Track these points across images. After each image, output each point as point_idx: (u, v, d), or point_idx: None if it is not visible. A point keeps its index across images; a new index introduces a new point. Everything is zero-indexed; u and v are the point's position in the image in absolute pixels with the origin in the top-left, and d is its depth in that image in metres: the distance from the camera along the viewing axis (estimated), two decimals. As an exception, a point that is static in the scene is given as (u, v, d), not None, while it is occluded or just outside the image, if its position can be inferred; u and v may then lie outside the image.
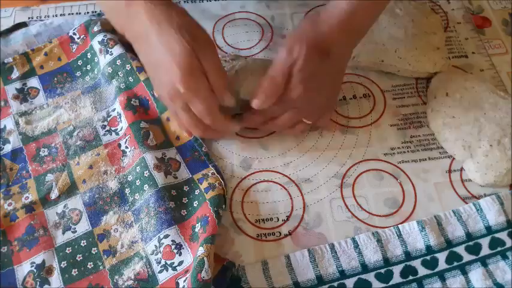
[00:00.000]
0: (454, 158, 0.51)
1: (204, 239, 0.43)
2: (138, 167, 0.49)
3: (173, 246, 0.45)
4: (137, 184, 0.48)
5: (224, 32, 0.61)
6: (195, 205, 0.47)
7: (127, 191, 0.49)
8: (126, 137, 0.51)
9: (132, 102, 0.53)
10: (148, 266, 0.44)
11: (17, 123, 0.53)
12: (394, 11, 0.57)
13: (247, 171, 0.51)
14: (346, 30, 0.46)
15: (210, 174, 0.49)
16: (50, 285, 0.44)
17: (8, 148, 0.52)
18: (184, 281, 0.42)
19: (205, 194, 0.47)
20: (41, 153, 0.51)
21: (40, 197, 0.48)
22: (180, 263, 0.44)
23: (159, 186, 0.47)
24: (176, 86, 0.43)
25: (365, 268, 0.44)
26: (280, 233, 0.47)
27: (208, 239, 0.43)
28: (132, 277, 0.44)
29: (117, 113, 0.53)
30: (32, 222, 0.47)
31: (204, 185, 0.48)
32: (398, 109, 0.55)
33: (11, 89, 0.55)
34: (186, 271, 0.43)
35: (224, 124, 0.48)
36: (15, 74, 0.56)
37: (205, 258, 0.41)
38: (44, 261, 0.45)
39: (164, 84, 0.45)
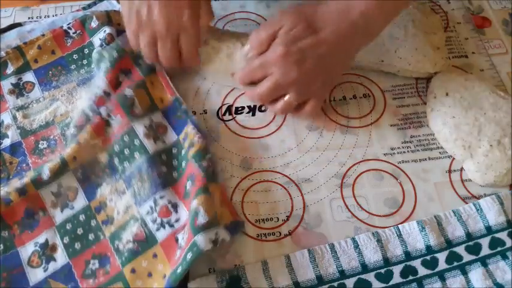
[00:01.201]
0: (454, 158, 0.51)
1: (194, 193, 0.45)
2: (126, 136, 0.50)
3: (170, 205, 0.46)
4: (126, 153, 0.50)
5: (224, 32, 0.61)
6: (183, 165, 0.49)
7: (115, 160, 0.50)
8: (107, 105, 0.52)
9: (119, 79, 0.54)
10: (144, 226, 0.46)
11: (14, 118, 0.54)
12: (394, 11, 0.57)
13: (247, 171, 0.51)
14: (344, 19, 0.46)
15: (189, 130, 0.50)
16: (55, 261, 0.45)
17: (6, 142, 0.52)
18: (183, 234, 0.44)
19: (188, 152, 0.49)
20: (40, 146, 0.52)
21: (32, 179, 0.48)
22: (177, 220, 0.46)
23: (151, 153, 0.49)
24: (182, 14, 0.48)
25: (365, 268, 0.44)
26: (280, 233, 0.47)
27: (198, 191, 0.45)
28: (131, 239, 0.45)
29: (103, 91, 0.53)
30: (28, 204, 0.47)
31: (187, 143, 0.50)
32: (398, 109, 0.55)
33: (6, 84, 0.56)
34: (184, 226, 0.45)
35: (196, 57, 0.52)
36: (10, 69, 0.56)
37: (200, 207, 0.43)
38: (47, 240, 0.46)
39: (165, 16, 0.48)
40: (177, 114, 0.52)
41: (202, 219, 0.42)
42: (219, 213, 0.45)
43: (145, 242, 0.45)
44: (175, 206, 0.46)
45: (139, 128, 0.50)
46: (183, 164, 0.49)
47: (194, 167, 0.47)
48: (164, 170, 0.49)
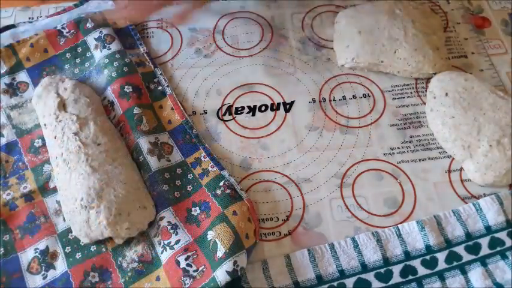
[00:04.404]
0: (453, 158, 0.51)
1: (210, 223, 0.45)
2: (134, 153, 0.50)
3: (169, 227, 0.45)
4: None
5: (224, 32, 0.62)
6: (189, 189, 0.48)
7: None
8: (120, 125, 0.52)
9: (125, 89, 0.53)
10: (152, 248, 0.45)
11: (9, 117, 0.54)
12: (394, 11, 0.57)
13: (247, 171, 0.51)
14: None
15: (202, 158, 0.50)
16: (55, 269, 0.45)
17: (2, 141, 0.52)
18: (186, 259, 0.43)
19: (200, 180, 0.48)
20: (35, 144, 0.52)
21: (39, 186, 0.49)
22: (177, 241, 0.45)
23: (153, 170, 0.48)
24: None
25: (365, 268, 0.44)
26: (280, 233, 0.47)
27: (215, 222, 0.44)
28: (136, 259, 0.45)
29: (108, 101, 0.54)
30: (32, 210, 0.48)
31: (198, 170, 0.49)
32: (398, 109, 0.55)
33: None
34: (185, 249, 0.44)
35: None
36: (3, 69, 0.57)
37: (217, 240, 0.43)
38: (47, 247, 0.46)
39: None
40: (185, 137, 0.52)
41: (220, 253, 0.42)
42: (244, 232, 0.44)
43: (151, 264, 0.45)
44: (175, 228, 0.45)
45: (144, 144, 0.50)
46: (189, 188, 0.48)
47: (208, 196, 0.47)
48: (165, 188, 0.48)
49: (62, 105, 0.51)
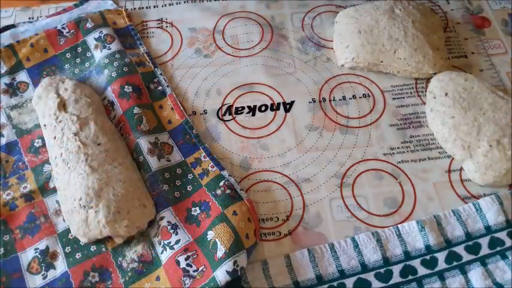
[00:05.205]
0: (453, 158, 0.51)
1: (210, 223, 0.45)
2: (134, 153, 0.50)
3: (169, 227, 0.45)
4: None
5: (224, 32, 0.62)
6: (189, 189, 0.48)
7: None
8: (120, 125, 0.52)
9: (125, 89, 0.53)
10: (152, 248, 0.45)
11: (9, 117, 0.54)
12: (394, 11, 0.57)
13: (247, 171, 0.51)
14: None
15: (202, 158, 0.50)
16: (55, 269, 0.45)
17: (2, 141, 0.52)
18: (186, 259, 0.43)
19: (200, 180, 0.48)
20: (35, 144, 0.52)
21: (39, 186, 0.49)
22: (177, 241, 0.45)
23: (153, 170, 0.48)
24: None
25: (365, 268, 0.44)
26: (280, 233, 0.47)
27: (215, 222, 0.44)
28: (136, 259, 0.45)
29: (108, 101, 0.54)
30: (32, 210, 0.48)
31: (198, 170, 0.49)
32: (398, 109, 0.55)
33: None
34: (185, 249, 0.44)
35: None
36: (3, 69, 0.57)
37: (217, 240, 0.43)
38: (47, 247, 0.46)
39: None
40: (185, 137, 0.52)
41: (220, 253, 0.42)
42: (244, 232, 0.44)
43: (151, 264, 0.45)
44: (174, 228, 0.45)
45: (144, 144, 0.50)
46: (189, 188, 0.48)
47: (208, 196, 0.47)
48: (166, 188, 0.48)
49: (62, 106, 0.51)
